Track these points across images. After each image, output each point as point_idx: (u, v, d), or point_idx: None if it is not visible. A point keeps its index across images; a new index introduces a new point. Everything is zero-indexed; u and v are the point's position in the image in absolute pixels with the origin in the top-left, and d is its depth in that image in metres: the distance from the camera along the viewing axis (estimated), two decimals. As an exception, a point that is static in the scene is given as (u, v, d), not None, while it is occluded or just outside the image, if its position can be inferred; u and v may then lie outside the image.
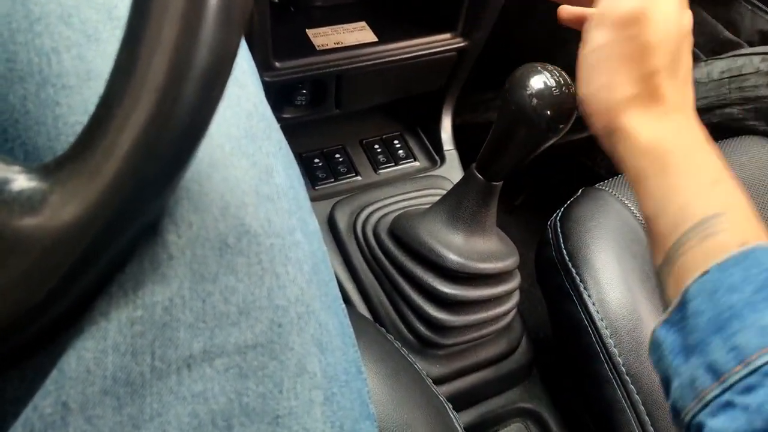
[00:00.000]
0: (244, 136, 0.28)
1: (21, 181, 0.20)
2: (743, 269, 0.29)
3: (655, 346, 0.33)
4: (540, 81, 0.42)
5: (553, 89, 0.42)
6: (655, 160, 0.35)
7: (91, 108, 0.25)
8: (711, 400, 0.28)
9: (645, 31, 0.37)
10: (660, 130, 0.36)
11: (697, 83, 0.81)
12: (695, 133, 0.36)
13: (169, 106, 0.20)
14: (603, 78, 0.38)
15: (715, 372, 0.29)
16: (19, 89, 0.25)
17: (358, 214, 0.67)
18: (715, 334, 0.29)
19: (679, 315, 0.31)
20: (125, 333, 0.23)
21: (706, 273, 0.30)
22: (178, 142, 0.20)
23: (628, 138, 0.36)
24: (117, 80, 0.20)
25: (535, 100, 0.42)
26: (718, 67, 0.80)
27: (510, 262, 0.57)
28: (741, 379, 0.27)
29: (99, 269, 0.22)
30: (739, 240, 0.31)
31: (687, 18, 0.40)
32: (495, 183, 0.51)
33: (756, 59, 0.79)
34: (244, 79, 0.30)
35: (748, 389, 0.27)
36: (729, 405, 0.28)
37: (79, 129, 0.25)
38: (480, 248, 0.55)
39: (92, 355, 0.23)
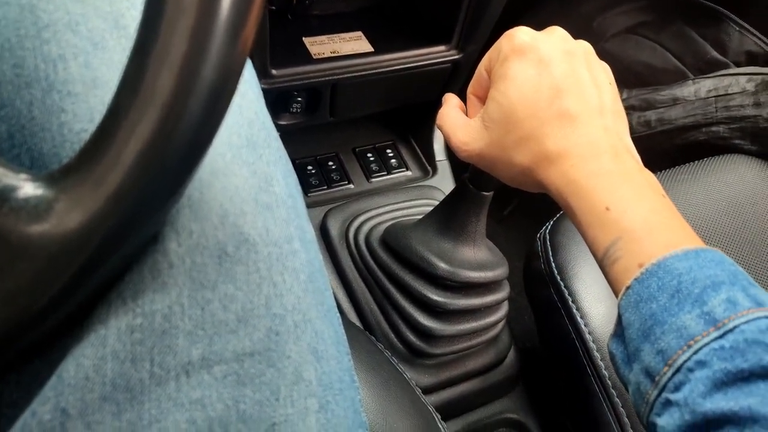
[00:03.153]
0: (245, 145, 0.28)
1: (27, 189, 0.21)
2: (658, 279, 0.32)
3: (611, 359, 0.35)
4: None
5: None
6: (560, 203, 0.38)
7: (97, 116, 0.25)
8: (654, 401, 0.31)
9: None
10: (549, 178, 0.38)
11: (685, 101, 0.83)
12: (579, 169, 0.37)
13: (175, 120, 0.20)
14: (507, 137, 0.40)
15: (651, 376, 0.31)
16: (26, 95, 0.25)
17: (350, 223, 0.67)
18: (644, 342, 0.31)
19: (620, 328, 0.34)
20: (124, 340, 0.23)
21: (629, 288, 0.33)
22: (182, 155, 0.21)
23: (541, 186, 0.39)
24: (124, 92, 0.20)
25: None
26: (705, 86, 0.82)
27: (499, 272, 0.58)
28: (670, 379, 0.30)
29: (101, 276, 0.22)
30: (636, 262, 0.33)
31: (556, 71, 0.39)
32: (486, 193, 0.52)
33: (742, 79, 0.80)
34: (245, 88, 0.31)
35: (677, 387, 0.29)
36: (667, 403, 0.30)
37: (84, 136, 0.25)
38: (470, 257, 0.56)
39: (91, 362, 0.23)
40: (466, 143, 0.42)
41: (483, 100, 0.44)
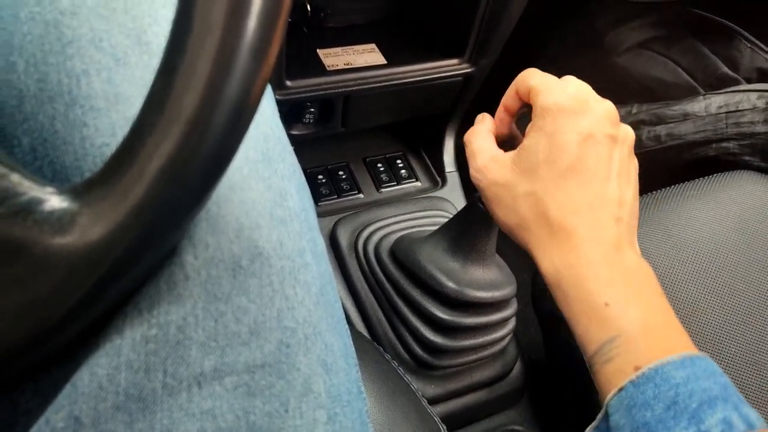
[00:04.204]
0: (261, 159, 0.29)
1: (52, 202, 0.21)
2: (654, 386, 0.31)
3: None
4: None
5: None
6: (555, 288, 0.37)
7: (118, 131, 0.26)
8: None
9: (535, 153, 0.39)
10: (546, 254, 0.37)
11: (695, 117, 0.83)
12: (581, 253, 0.36)
13: (198, 138, 0.20)
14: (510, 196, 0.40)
15: None
16: (49, 109, 0.26)
17: (360, 233, 0.67)
18: None
19: (604, 425, 0.33)
20: (139, 350, 0.24)
21: (622, 389, 0.32)
22: (204, 172, 0.21)
23: (532, 258, 0.38)
24: (150, 110, 0.21)
25: None
26: (716, 102, 0.82)
27: (507, 291, 0.58)
28: None
29: (121, 289, 0.23)
30: (632, 364, 0.32)
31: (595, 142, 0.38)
32: (498, 213, 0.52)
33: (753, 96, 0.80)
34: (262, 103, 0.31)
35: None
36: None
37: (105, 151, 0.26)
38: (478, 277, 0.56)
39: (105, 371, 0.23)
40: (487, 169, 0.41)
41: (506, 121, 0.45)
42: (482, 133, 0.45)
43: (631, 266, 0.36)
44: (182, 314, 0.24)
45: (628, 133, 0.41)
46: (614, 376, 0.32)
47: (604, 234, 0.36)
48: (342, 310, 0.33)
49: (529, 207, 0.38)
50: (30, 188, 0.21)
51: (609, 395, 0.32)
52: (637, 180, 0.41)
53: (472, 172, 0.43)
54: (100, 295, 0.22)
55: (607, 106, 0.40)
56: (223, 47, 0.20)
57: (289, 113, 0.66)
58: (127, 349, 0.24)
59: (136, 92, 0.26)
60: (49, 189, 0.21)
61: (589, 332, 0.34)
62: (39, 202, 0.21)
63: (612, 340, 0.33)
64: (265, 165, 0.29)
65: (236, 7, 0.19)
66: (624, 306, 0.34)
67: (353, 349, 0.32)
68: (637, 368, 0.32)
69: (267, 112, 0.31)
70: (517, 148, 0.41)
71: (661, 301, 0.35)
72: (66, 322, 0.22)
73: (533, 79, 0.41)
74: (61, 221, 0.21)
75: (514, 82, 0.43)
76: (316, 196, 0.75)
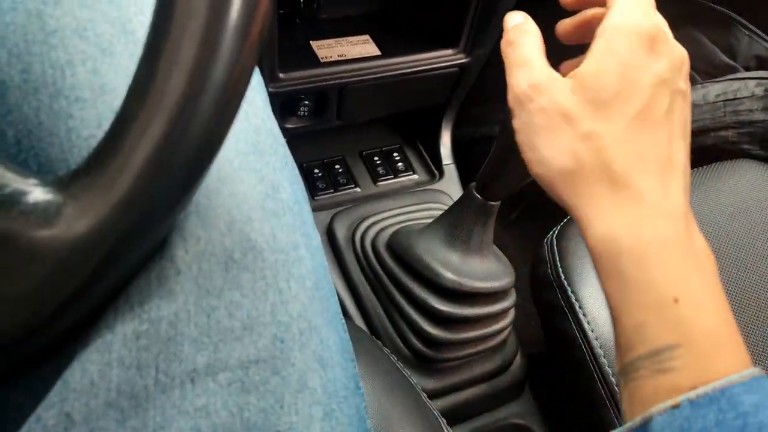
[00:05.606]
0: (252, 152, 0.28)
1: (37, 194, 0.21)
2: (719, 410, 0.25)
3: None
4: None
5: None
6: (607, 261, 0.29)
7: (104, 122, 0.25)
8: None
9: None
10: (615, 225, 0.29)
11: (693, 106, 0.82)
12: (652, 226, 0.28)
13: (184, 125, 0.20)
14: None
15: None
16: (33, 101, 0.25)
17: (357, 226, 0.67)
18: None
19: None
20: (130, 347, 0.23)
21: (677, 407, 0.26)
22: (191, 160, 0.21)
23: (576, 217, 0.30)
24: (134, 96, 0.20)
25: None
26: (714, 90, 0.82)
27: (506, 281, 0.58)
28: None
29: (111, 282, 0.22)
30: (690, 383, 0.26)
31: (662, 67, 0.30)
32: (493, 203, 0.51)
33: (751, 84, 0.80)
34: (252, 94, 0.31)
35: None
36: None
37: (92, 142, 0.25)
38: (476, 267, 0.55)
39: (97, 367, 0.23)
40: (545, 89, 0.31)
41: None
42: (531, 35, 0.34)
43: (702, 253, 0.29)
44: (174, 309, 0.24)
45: (690, 92, 0.33)
46: (665, 389, 0.26)
47: (674, 205, 0.29)
48: (338, 305, 0.32)
49: (590, 151, 0.29)
50: (13, 180, 0.21)
51: (656, 408, 0.26)
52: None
53: (522, 87, 0.32)
54: (89, 289, 0.22)
55: (684, 53, 0.32)
56: (207, 30, 0.19)
57: (284, 106, 0.66)
58: (119, 345, 0.23)
59: (122, 82, 0.26)
60: (33, 180, 0.21)
61: (645, 330, 0.27)
62: (23, 193, 0.20)
63: (674, 348, 0.27)
64: (256, 157, 0.28)
65: None
66: (697, 307, 0.27)
67: (350, 343, 0.32)
68: (697, 386, 0.26)
69: (258, 104, 0.31)
70: (578, 70, 0.31)
71: (726, 302, 0.29)
72: (56, 316, 0.21)
73: None
74: (46, 213, 0.20)
75: None
76: (313, 191, 0.75)
